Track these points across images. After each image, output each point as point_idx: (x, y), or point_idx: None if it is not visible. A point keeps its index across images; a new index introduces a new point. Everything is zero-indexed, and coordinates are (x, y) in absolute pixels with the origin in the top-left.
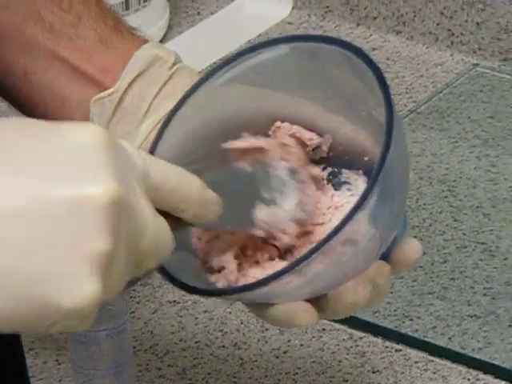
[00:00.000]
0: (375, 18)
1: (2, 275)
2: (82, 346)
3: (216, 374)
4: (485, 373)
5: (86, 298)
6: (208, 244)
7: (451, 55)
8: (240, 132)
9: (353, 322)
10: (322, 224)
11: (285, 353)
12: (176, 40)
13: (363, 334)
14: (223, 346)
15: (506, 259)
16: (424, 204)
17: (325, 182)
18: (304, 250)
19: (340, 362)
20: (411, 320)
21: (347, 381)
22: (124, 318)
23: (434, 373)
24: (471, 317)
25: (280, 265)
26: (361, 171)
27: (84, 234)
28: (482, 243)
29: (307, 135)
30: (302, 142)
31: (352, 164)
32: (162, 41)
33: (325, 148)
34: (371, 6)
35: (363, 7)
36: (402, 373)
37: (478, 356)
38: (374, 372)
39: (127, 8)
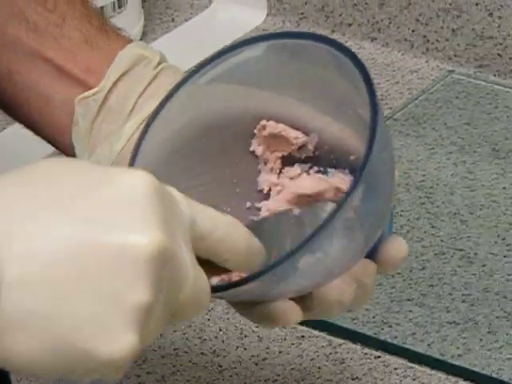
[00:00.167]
0: (350, 25)
1: (43, 317)
2: None
3: (195, 381)
4: (464, 379)
5: (123, 350)
6: None
7: (427, 62)
8: (227, 130)
9: (332, 328)
10: None
11: (264, 360)
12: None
13: (342, 341)
14: (202, 353)
15: (484, 266)
16: (401, 211)
17: None
18: None
19: (319, 368)
20: (390, 327)
21: None
22: None
23: (414, 379)
24: (450, 323)
25: None
26: (347, 170)
27: (126, 283)
28: (460, 250)
29: (293, 134)
30: (287, 141)
31: (338, 163)
32: None
33: (311, 147)
34: (346, 13)
35: (338, 14)
36: (382, 379)
37: (457, 362)
38: (353, 379)
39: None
